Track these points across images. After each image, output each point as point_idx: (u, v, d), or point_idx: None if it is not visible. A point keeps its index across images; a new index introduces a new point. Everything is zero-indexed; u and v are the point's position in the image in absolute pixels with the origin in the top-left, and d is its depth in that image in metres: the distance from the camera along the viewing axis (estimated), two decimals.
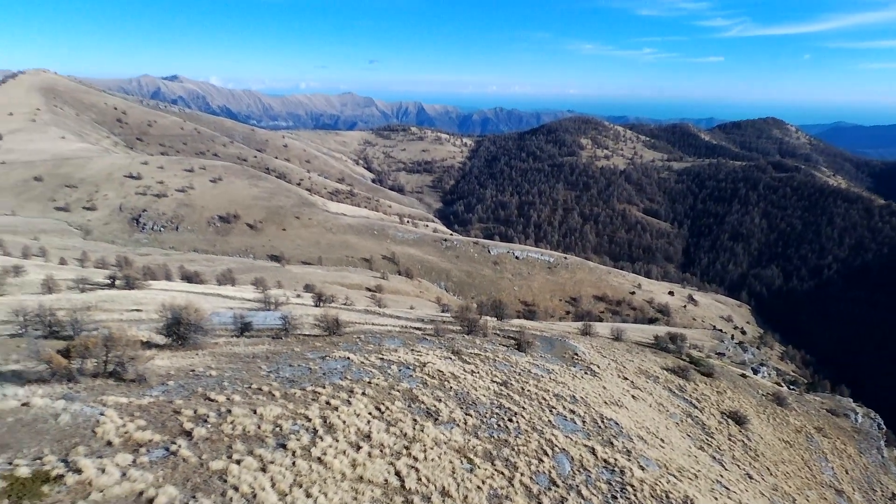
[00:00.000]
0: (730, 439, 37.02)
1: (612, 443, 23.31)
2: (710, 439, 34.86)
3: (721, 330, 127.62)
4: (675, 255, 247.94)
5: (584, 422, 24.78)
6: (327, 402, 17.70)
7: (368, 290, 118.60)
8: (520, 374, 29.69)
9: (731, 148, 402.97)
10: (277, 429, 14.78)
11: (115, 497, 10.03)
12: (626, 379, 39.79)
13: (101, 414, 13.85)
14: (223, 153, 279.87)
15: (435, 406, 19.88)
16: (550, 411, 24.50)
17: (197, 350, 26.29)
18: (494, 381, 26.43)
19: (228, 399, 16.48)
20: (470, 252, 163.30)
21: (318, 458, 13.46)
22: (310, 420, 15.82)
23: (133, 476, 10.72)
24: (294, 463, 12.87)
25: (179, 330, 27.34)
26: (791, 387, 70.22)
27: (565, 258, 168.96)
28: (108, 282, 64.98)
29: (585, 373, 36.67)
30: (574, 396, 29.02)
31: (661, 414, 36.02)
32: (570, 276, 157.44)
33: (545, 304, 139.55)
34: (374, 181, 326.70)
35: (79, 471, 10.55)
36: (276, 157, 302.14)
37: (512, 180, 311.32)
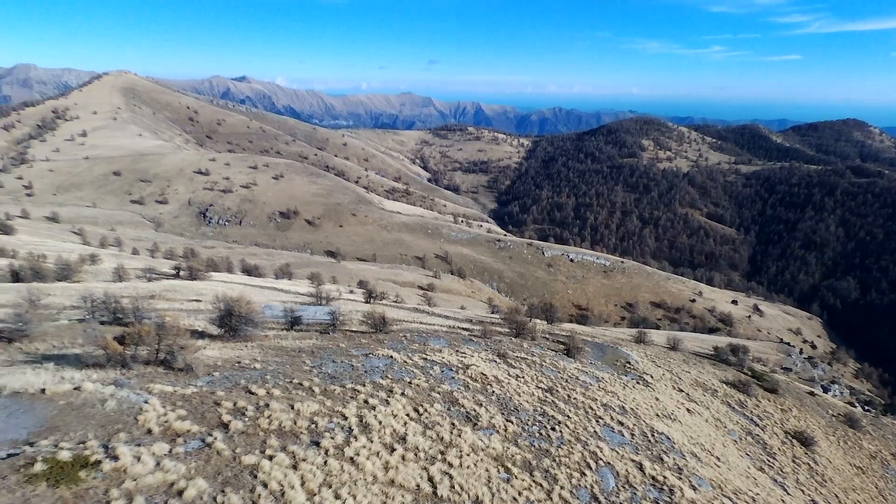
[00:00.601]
0: (794, 461, 34.56)
1: (662, 459, 22.09)
2: (771, 460, 32.65)
3: (789, 343, 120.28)
4: (740, 263, 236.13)
5: (632, 435, 23.63)
6: (365, 401, 17.58)
7: (420, 288, 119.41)
8: (567, 381, 28.74)
9: (805, 151, 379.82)
10: (313, 426, 14.74)
11: (147, 486, 10.16)
12: (681, 391, 37.93)
13: (146, 402, 14.23)
14: (286, 151, 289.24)
15: (475, 410, 19.41)
16: (597, 422, 23.51)
17: (246, 342, 26.93)
18: (539, 387, 25.66)
19: (268, 393, 16.63)
20: (523, 253, 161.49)
21: (351, 459, 13.30)
22: (346, 418, 15.72)
23: (167, 466, 10.86)
24: (326, 462, 12.74)
25: (231, 322, 28.10)
26: (866, 408, 65.12)
27: (622, 262, 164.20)
28: (174, 272, 68.26)
29: (637, 382, 35.18)
30: (623, 407, 27.81)
31: (717, 430, 34.06)
32: (627, 280, 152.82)
33: (599, 309, 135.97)
34: (429, 180, 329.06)
35: (116, 457, 10.77)
36: (336, 156, 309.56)
37: (569, 181, 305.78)
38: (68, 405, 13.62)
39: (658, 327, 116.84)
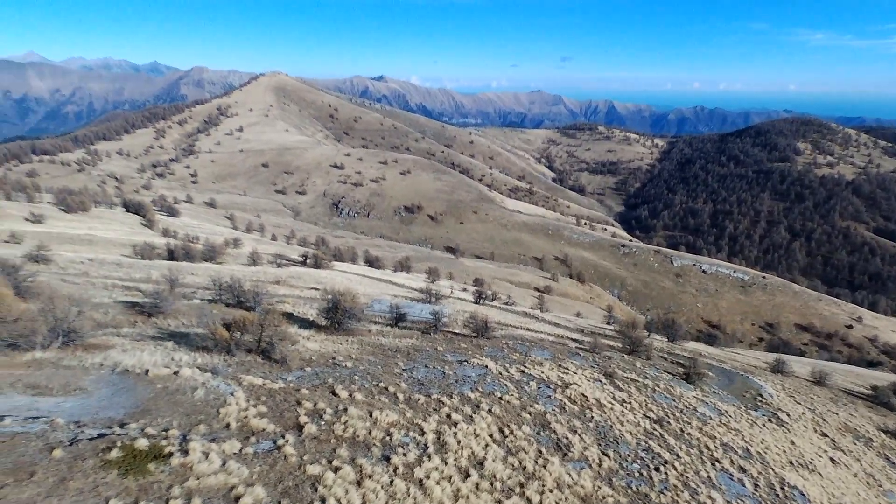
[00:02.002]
0: None
1: None
2: None
3: None
4: None
5: (756, 485, 20.32)
6: (448, 416, 16.70)
7: (536, 289, 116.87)
8: (681, 412, 25.67)
9: None
10: (387, 438, 14.15)
11: (208, 488, 10.12)
12: (824, 436, 32.50)
13: (232, 394, 14.59)
14: (414, 147, 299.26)
15: (567, 438, 17.69)
16: (713, 465, 20.52)
17: (348, 336, 27.42)
18: (648, 417, 23.07)
19: (350, 396, 16.39)
20: (650, 261, 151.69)
21: (419, 481, 12.47)
22: (423, 433, 14.94)
23: (231, 468, 10.80)
24: (392, 482, 12.04)
25: (336, 315, 28.85)
26: None
27: (763, 277, 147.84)
28: (301, 259, 73.09)
29: (769, 420, 30.70)
30: (748, 450, 24.18)
31: (870, 489, 28.59)
32: (769, 298, 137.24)
33: (733, 328, 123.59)
34: (554, 180, 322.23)
35: (186, 452, 10.93)
36: (462, 153, 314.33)
37: (707, 186, 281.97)
38: (164, 389, 14.34)
39: (803, 354, 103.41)
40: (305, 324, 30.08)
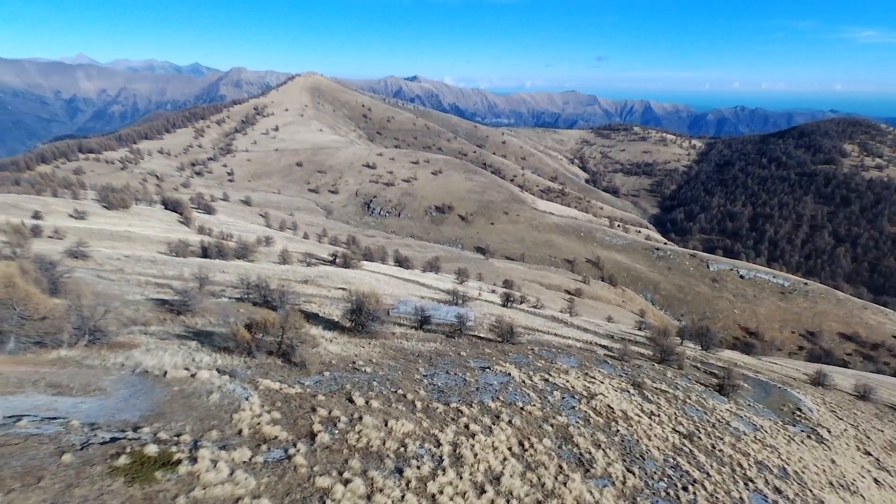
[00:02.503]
0: None
1: None
2: None
3: None
4: None
5: None
6: (466, 426, 16.25)
7: (567, 292, 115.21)
8: (713, 427, 24.59)
9: None
10: (402, 449, 13.79)
11: (213, 498, 9.95)
12: (867, 454, 30.78)
13: (247, 399, 14.48)
14: (446, 147, 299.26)
15: (590, 453, 17.01)
16: (745, 485, 19.51)
17: (371, 338, 27.23)
18: (677, 431, 22.13)
19: (367, 403, 16.11)
20: (685, 264, 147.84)
21: (432, 496, 12.06)
22: (439, 445, 14.53)
23: (238, 478, 10.61)
24: (403, 497, 11.67)
25: (359, 318, 28.71)
26: None
27: (805, 284, 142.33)
28: (331, 259, 73.68)
29: (808, 437, 29.23)
30: (785, 469, 22.98)
31: None
32: (810, 305, 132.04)
33: (771, 335, 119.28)
34: (587, 181, 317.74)
35: (195, 459, 10.79)
36: (494, 153, 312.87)
37: (746, 188, 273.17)
38: (180, 392, 14.32)
39: (846, 365, 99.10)
40: (330, 325, 30.04)
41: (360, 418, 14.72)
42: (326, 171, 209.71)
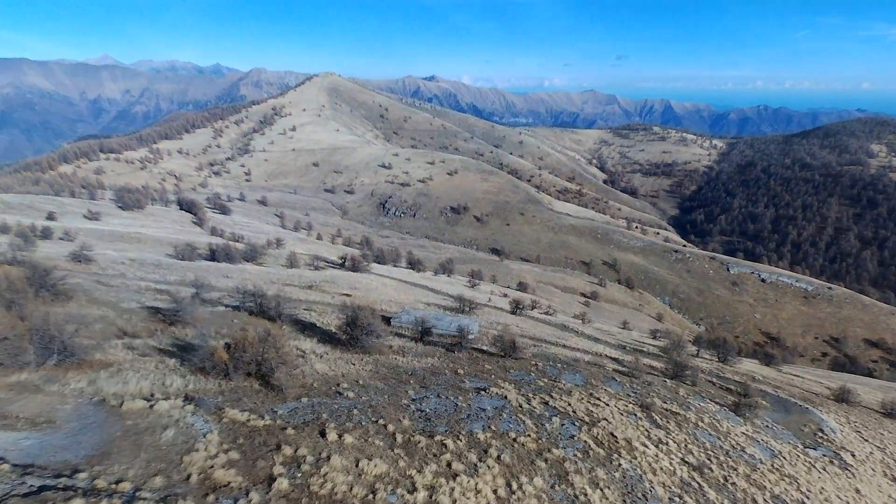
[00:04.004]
0: None
1: None
2: None
3: None
4: None
5: None
6: (448, 465, 14.83)
7: (582, 295, 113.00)
8: (727, 455, 22.81)
9: None
10: (370, 496, 12.43)
11: None
12: (895, 481, 28.69)
13: (205, 435, 13.28)
14: (463, 148, 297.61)
15: (585, 494, 15.47)
16: None
17: (364, 354, 25.97)
18: (686, 462, 20.45)
19: (340, 438, 14.78)
20: (704, 267, 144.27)
21: None
22: (414, 490, 13.13)
23: None
24: None
25: (353, 332, 27.48)
26: None
27: (829, 288, 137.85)
28: (340, 262, 72.67)
29: (831, 462, 27.25)
30: (804, 503, 21.17)
31: None
32: (834, 310, 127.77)
33: (794, 340, 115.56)
34: (605, 182, 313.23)
35: None
36: (511, 153, 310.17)
37: (768, 190, 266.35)
38: (134, 427, 13.19)
39: (871, 373, 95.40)
40: (325, 337, 28.87)
41: (329, 458, 13.41)
42: (342, 171, 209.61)
